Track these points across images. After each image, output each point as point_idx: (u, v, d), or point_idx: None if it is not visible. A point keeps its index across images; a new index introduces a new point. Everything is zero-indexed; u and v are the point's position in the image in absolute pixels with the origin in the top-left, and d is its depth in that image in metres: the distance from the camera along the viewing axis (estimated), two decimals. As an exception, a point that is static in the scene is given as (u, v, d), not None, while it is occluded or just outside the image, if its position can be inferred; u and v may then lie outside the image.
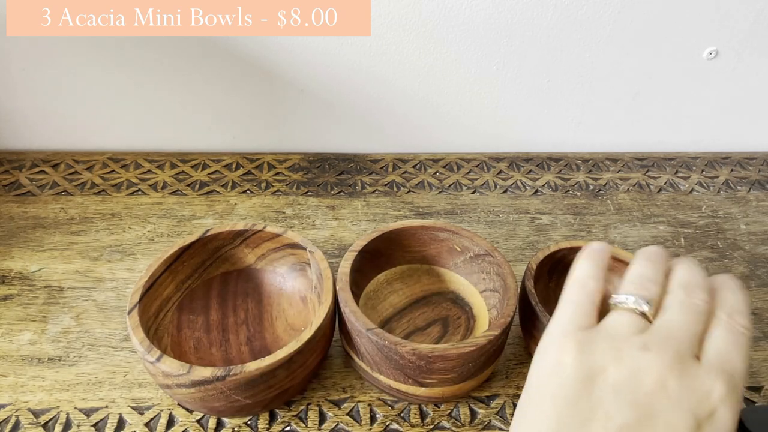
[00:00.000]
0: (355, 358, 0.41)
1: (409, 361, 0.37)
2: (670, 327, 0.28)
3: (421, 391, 0.39)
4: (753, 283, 0.53)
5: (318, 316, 0.38)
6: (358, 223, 0.57)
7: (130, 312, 0.38)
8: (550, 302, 0.46)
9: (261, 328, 0.44)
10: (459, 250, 0.47)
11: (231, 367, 0.35)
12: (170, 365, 0.35)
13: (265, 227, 0.45)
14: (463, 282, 0.48)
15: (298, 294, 0.46)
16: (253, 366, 0.35)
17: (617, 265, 0.46)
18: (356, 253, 0.43)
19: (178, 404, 0.41)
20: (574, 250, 0.46)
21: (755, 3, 0.59)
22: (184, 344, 0.42)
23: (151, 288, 0.41)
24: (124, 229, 0.55)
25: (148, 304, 0.40)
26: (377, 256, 0.46)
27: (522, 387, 0.43)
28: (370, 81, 0.62)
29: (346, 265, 0.42)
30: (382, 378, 0.40)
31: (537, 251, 0.46)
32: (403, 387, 0.39)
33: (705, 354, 0.28)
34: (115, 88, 0.61)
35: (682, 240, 0.57)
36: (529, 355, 0.45)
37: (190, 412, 0.41)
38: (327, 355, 0.44)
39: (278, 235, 0.45)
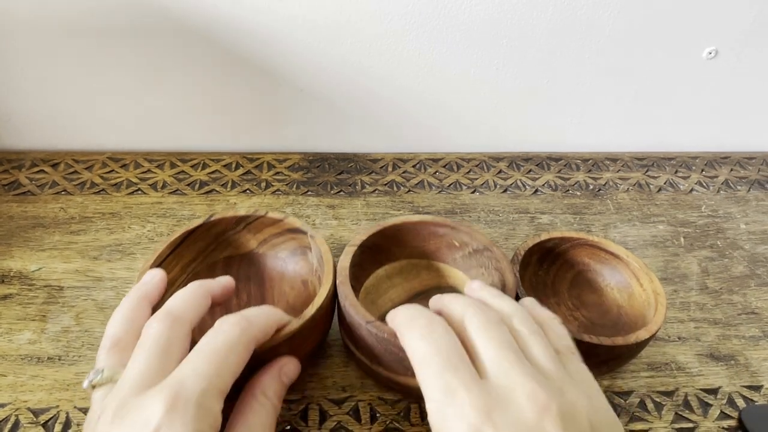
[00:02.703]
0: (356, 352, 0.41)
1: None
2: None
3: None
4: (753, 282, 0.53)
5: (320, 295, 0.39)
6: (358, 223, 0.57)
7: None
8: (538, 290, 0.47)
9: None
10: (458, 245, 0.47)
11: None
12: None
13: (267, 213, 0.46)
14: (462, 277, 0.48)
15: (299, 278, 0.46)
16: None
17: (608, 258, 0.47)
18: (356, 248, 0.43)
19: None
20: (565, 240, 0.47)
21: (755, 2, 0.59)
22: None
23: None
24: (123, 228, 0.55)
25: None
26: (377, 251, 0.46)
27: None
28: (370, 80, 0.62)
29: (345, 260, 0.42)
30: (381, 371, 0.40)
31: (527, 238, 0.46)
32: (402, 379, 0.39)
33: None
34: (114, 87, 0.61)
35: (682, 239, 0.58)
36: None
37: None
38: (326, 339, 0.45)
39: (280, 221, 0.46)
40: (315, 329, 0.40)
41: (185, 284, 0.44)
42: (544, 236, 0.47)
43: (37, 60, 0.59)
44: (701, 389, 0.44)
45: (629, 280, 0.46)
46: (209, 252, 0.47)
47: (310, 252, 0.45)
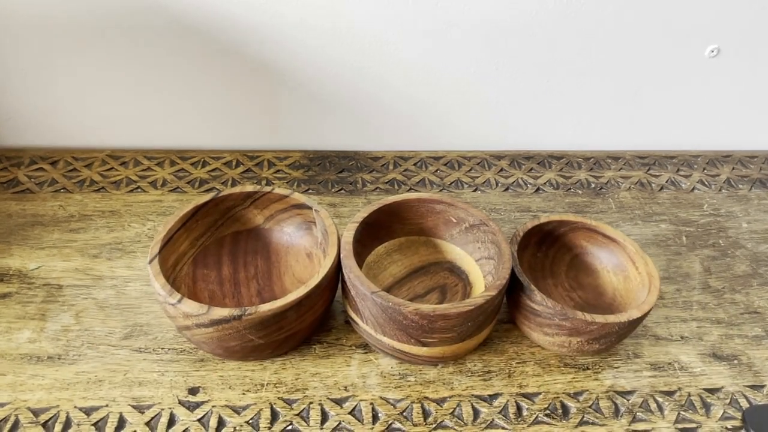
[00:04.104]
0: (360, 322, 0.43)
1: (412, 321, 0.39)
2: None
3: (423, 351, 0.41)
4: (755, 281, 0.53)
5: (324, 265, 0.41)
6: (359, 221, 0.57)
7: (151, 261, 0.41)
8: (536, 270, 0.49)
9: (270, 282, 0.47)
10: (455, 221, 0.49)
11: (246, 307, 0.38)
12: (191, 306, 0.38)
13: (273, 189, 0.48)
14: (459, 252, 0.50)
15: (304, 251, 0.49)
16: (267, 307, 0.38)
17: (605, 241, 0.47)
18: (358, 224, 0.45)
19: (195, 346, 0.43)
20: (564, 223, 0.49)
21: (756, 1, 0.59)
22: (200, 295, 0.45)
23: (168, 242, 0.44)
24: (123, 226, 0.55)
25: (166, 256, 0.43)
26: (377, 228, 0.48)
27: (524, 386, 0.43)
28: (371, 79, 0.62)
29: (348, 235, 0.44)
30: (386, 339, 0.41)
31: (527, 221, 0.48)
32: (406, 347, 0.41)
33: None
34: (114, 85, 0.61)
35: (684, 238, 0.57)
36: (513, 323, 0.47)
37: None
38: (331, 307, 0.47)
39: (285, 197, 0.48)
40: (320, 297, 0.42)
41: (194, 258, 0.47)
42: (543, 219, 0.48)
43: (37, 59, 0.58)
44: (704, 389, 0.44)
45: (625, 263, 0.47)
46: (218, 227, 0.49)
47: (315, 226, 0.48)
